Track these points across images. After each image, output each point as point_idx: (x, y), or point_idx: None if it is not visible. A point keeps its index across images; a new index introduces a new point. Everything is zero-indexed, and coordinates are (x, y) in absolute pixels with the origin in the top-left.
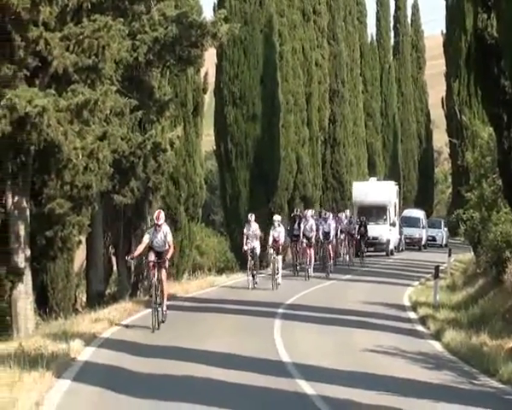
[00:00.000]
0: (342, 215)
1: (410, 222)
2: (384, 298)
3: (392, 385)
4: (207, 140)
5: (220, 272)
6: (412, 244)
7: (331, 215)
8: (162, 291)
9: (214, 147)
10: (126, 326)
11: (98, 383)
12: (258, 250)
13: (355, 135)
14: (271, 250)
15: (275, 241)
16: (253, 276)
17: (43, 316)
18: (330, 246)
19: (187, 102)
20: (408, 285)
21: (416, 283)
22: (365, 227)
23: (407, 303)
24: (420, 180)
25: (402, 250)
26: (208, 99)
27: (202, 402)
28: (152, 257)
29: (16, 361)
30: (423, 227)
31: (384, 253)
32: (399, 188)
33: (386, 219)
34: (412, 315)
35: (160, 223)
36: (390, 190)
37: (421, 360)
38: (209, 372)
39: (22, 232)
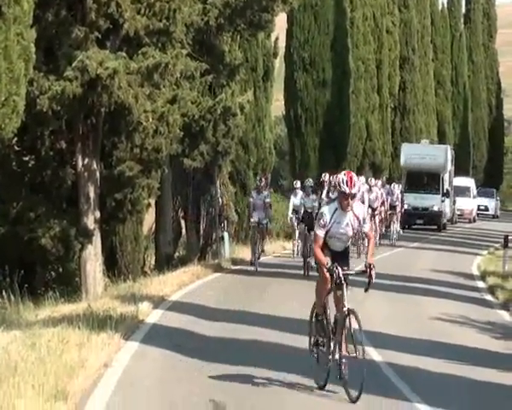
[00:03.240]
0: (377, 183)
1: (459, 192)
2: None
3: (460, 354)
4: (277, 105)
5: (288, 237)
6: (461, 216)
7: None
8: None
9: (284, 112)
10: (195, 290)
11: (166, 346)
12: (269, 224)
13: (425, 103)
14: (302, 225)
15: (306, 212)
16: (258, 257)
17: (112, 278)
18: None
19: (257, 67)
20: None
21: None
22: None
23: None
24: (489, 149)
25: (455, 222)
26: (278, 64)
27: (275, 368)
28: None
29: (85, 322)
30: (473, 197)
31: (435, 226)
32: (469, 156)
33: (438, 189)
34: (481, 284)
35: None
36: (444, 154)
37: (490, 329)
38: (280, 338)
39: (92, 194)
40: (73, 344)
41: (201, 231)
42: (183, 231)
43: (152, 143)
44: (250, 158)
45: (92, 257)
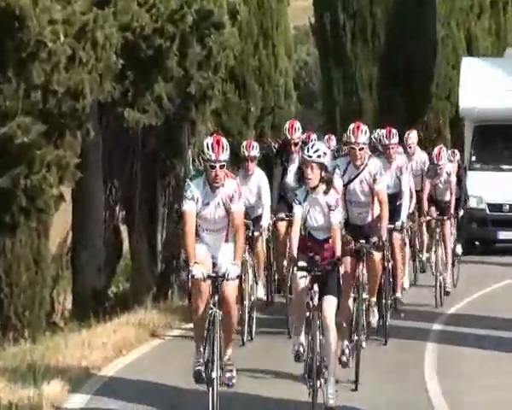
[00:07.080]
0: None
1: None
2: None
3: None
4: (298, 6)
5: None
6: None
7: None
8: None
9: (312, 20)
10: (146, 356)
11: None
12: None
13: None
14: (299, 273)
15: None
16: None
17: None
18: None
19: None
20: None
21: None
22: (459, 181)
23: None
24: None
25: None
26: None
27: None
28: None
29: None
30: None
31: None
32: None
33: None
34: None
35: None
36: None
37: None
38: None
39: None
40: None
41: (159, 246)
42: (126, 245)
43: (65, 81)
44: (250, 107)
45: None
